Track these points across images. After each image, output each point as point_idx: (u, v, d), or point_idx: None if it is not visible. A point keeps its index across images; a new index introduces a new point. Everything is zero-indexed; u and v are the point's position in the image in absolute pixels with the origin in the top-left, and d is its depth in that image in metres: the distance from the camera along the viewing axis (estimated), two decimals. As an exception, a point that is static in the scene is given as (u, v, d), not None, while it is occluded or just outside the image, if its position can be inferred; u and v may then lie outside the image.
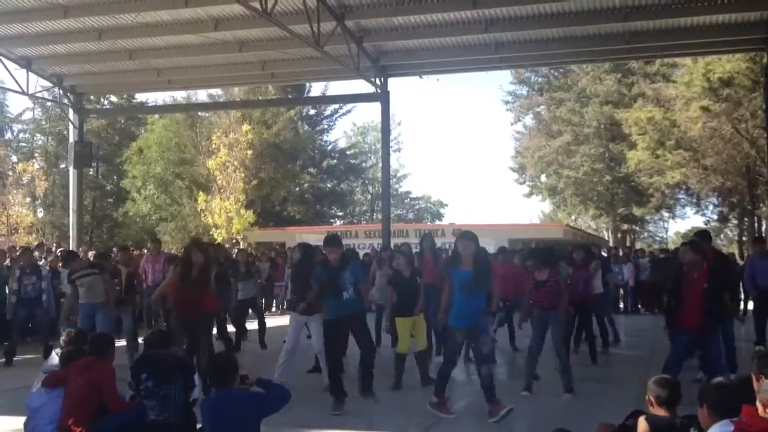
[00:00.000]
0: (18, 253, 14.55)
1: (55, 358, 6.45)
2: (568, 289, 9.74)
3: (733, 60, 28.30)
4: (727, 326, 9.95)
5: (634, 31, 17.44)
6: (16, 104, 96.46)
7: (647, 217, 49.02)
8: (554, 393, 9.01)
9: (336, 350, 8.33)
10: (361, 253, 18.86)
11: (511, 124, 51.32)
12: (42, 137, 44.50)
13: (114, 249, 15.51)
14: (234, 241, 31.53)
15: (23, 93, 20.93)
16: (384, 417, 8.14)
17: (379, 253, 15.61)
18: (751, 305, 14.12)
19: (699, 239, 9.90)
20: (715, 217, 42.75)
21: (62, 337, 6.63)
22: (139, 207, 39.12)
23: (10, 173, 36.63)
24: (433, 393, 8.03)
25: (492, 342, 8.12)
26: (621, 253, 22.73)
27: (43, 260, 15.59)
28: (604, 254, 21.91)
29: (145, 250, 17.80)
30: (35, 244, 22.86)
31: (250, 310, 13.76)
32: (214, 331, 11.15)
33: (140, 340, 12.71)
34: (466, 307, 7.80)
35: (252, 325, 13.84)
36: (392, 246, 17.01)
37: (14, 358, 11.83)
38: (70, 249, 13.10)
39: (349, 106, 47.27)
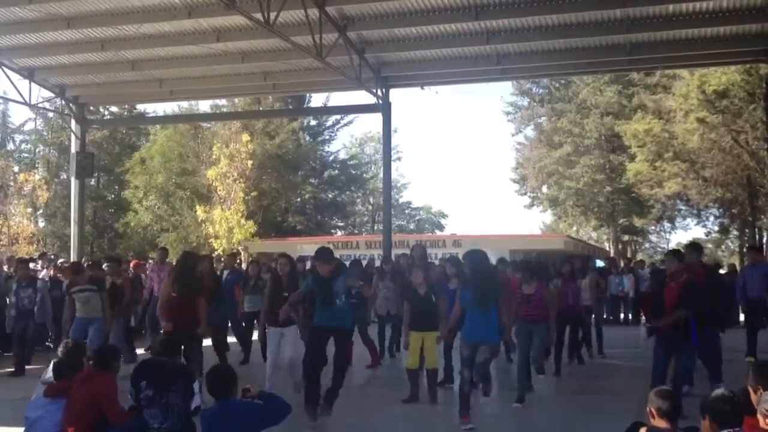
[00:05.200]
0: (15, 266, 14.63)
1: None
2: (556, 302, 9.80)
3: (729, 72, 28.31)
4: (712, 339, 9.74)
5: (635, 42, 17.49)
6: (19, 115, 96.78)
7: (649, 228, 48.98)
8: (550, 405, 8.98)
9: (316, 357, 8.04)
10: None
11: (512, 135, 51.47)
12: (44, 148, 44.57)
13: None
14: (235, 251, 31.51)
15: (25, 103, 20.99)
16: (384, 430, 8.12)
17: (381, 265, 15.58)
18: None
19: (687, 250, 9.92)
20: (716, 228, 42.71)
21: (59, 348, 6.62)
22: (141, 217, 39.14)
23: (12, 183, 36.70)
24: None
25: (490, 356, 8.04)
26: (622, 264, 22.71)
27: (45, 270, 15.61)
28: (601, 263, 21.89)
29: (150, 260, 17.83)
30: (37, 254, 22.87)
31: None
32: (208, 342, 11.15)
33: (140, 350, 12.83)
34: (472, 322, 7.90)
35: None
36: (393, 256, 16.97)
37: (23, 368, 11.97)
38: (76, 261, 13.06)
39: (350, 116, 47.42)
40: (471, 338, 7.93)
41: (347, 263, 16.69)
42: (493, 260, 13.45)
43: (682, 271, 8.45)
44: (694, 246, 10.74)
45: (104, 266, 12.99)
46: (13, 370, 11.98)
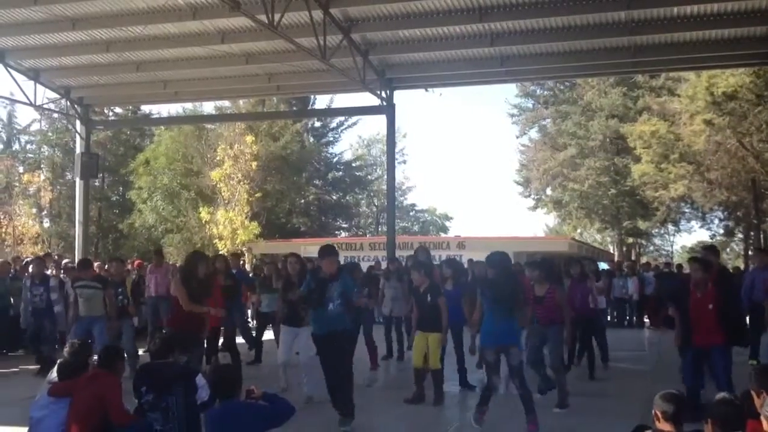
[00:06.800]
0: (23, 264, 14.65)
1: (58, 369, 6.44)
2: (568, 304, 9.70)
3: (737, 74, 28.29)
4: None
5: (639, 45, 17.47)
6: (24, 115, 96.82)
7: (653, 231, 48.88)
8: (554, 407, 8.91)
9: (329, 363, 8.04)
10: (365, 265, 18.73)
11: (517, 137, 51.42)
12: (48, 148, 44.64)
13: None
14: (239, 251, 31.50)
15: (31, 104, 21.07)
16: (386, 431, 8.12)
17: (387, 266, 15.57)
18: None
19: (704, 253, 9.82)
20: (721, 231, 42.63)
21: (66, 348, 6.63)
22: (145, 218, 39.18)
23: (17, 184, 36.79)
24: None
25: (521, 354, 8.02)
26: (626, 267, 22.67)
27: (49, 271, 15.61)
28: (606, 266, 21.83)
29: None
30: (42, 254, 22.90)
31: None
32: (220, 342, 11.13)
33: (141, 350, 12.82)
34: (491, 326, 7.84)
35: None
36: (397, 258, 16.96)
37: (27, 367, 11.97)
38: (85, 258, 13.08)
39: (354, 118, 47.44)
40: (495, 343, 7.83)
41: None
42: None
43: (707, 281, 8.30)
44: (712, 249, 10.62)
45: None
46: (38, 367, 11.75)
